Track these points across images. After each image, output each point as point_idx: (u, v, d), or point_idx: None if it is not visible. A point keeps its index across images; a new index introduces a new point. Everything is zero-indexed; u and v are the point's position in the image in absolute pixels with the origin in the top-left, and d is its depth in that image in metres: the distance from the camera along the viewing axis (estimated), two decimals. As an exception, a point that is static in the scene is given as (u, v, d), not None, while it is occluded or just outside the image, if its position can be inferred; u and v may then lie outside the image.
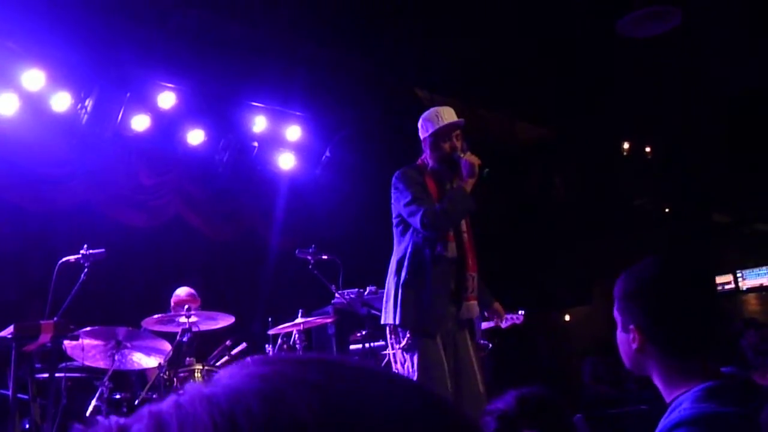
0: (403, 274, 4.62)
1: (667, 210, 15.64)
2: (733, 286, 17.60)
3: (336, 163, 9.32)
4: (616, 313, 2.15)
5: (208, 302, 6.79)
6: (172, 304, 6.70)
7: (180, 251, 8.39)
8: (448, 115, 4.82)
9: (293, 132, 9.13)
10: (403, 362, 4.65)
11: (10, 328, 4.26)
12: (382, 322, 4.77)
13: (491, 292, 5.24)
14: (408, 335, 4.58)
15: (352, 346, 7.20)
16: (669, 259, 2.13)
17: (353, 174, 9.23)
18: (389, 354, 4.96)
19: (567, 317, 14.72)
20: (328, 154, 9.54)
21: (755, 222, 17.48)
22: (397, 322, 4.55)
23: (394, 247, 4.82)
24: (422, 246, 4.65)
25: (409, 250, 4.66)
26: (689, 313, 2.02)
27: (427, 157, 4.88)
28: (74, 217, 7.49)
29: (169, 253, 8.27)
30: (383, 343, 6.91)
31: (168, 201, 8.33)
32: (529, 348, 11.46)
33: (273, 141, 9.08)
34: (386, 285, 4.76)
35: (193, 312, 5.51)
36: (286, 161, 9.19)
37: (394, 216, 4.83)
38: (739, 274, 17.48)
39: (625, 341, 2.09)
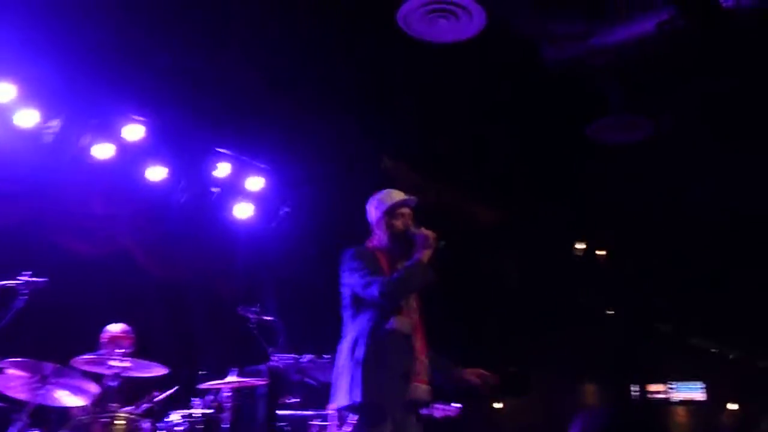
0: (360, 352, 4.50)
1: (610, 312, 15.81)
2: (664, 396, 17.81)
3: (293, 219, 9.25)
4: None
5: (140, 343, 6.64)
6: (104, 339, 6.53)
7: (121, 287, 8.20)
8: (398, 194, 4.86)
9: (255, 182, 9.08)
10: None
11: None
12: (334, 405, 4.61)
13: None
14: (355, 422, 4.44)
15: (280, 411, 7.06)
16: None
17: (309, 233, 9.17)
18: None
19: (500, 405, 14.67)
20: (286, 209, 9.48)
21: (694, 336, 17.75)
22: (358, 400, 4.38)
23: (346, 328, 4.73)
24: (378, 321, 4.58)
25: (365, 327, 4.57)
26: None
27: (377, 239, 4.88)
28: (17, 234, 7.30)
29: (109, 288, 8.07)
30: (313, 412, 6.83)
31: (117, 233, 8.18)
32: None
33: (234, 189, 9.01)
34: (337, 366, 4.62)
35: (127, 358, 5.37)
36: (243, 210, 9.11)
37: (345, 296, 4.76)
38: (671, 385, 17.72)
39: None
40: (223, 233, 9.05)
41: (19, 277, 5.16)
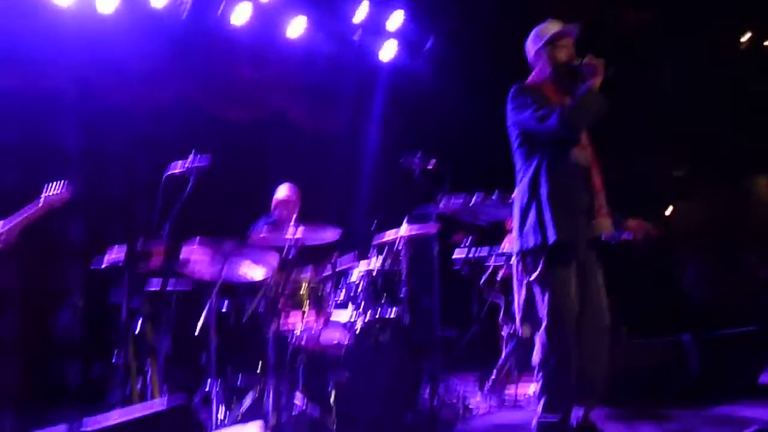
0: (544, 189, 4.31)
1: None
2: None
3: (441, 59, 8.92)
4: None
5: (309, 205, 6.72)
6: (273, 203, 6.64)
7: (282, 148, 8.28)
8: (557, 25, 4.55)
9: (396, 19, 8.75)
10: (531, 294, 4.40)
11: (122, 253, 4.23)
12: (519, 248, 4.43)
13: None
14: (541, 265, 4.30)
15: (455, 254, 7.05)
16: None
17: (458, 73, 8.84)
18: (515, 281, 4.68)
19: (669, 211, 14.25)
20: (429, 44, 9.13)
21: None
22: (551, 240, 4.22)
23: (521, 169, 4.52)
24: (557, 155, 4.36)
25: (544, 163, 4.36)
26: None
27: (540, 73, 4.59)
28: (177, 114, 7.41)
29: (271, 151, 8.17)
30: (486, 253, 6.79)
31: (269, 95, 8.16)
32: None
33: (375, 29, 8.74)
34: (519, 210, 4.43)
35: (301, 225, 5.40)
36: (388, 51, 8.86)
37: (515, 136, 4.53)
38: None
39: None
40: (371, 78, 8.85)
41: (184, 163, 5.16)
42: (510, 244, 6.50)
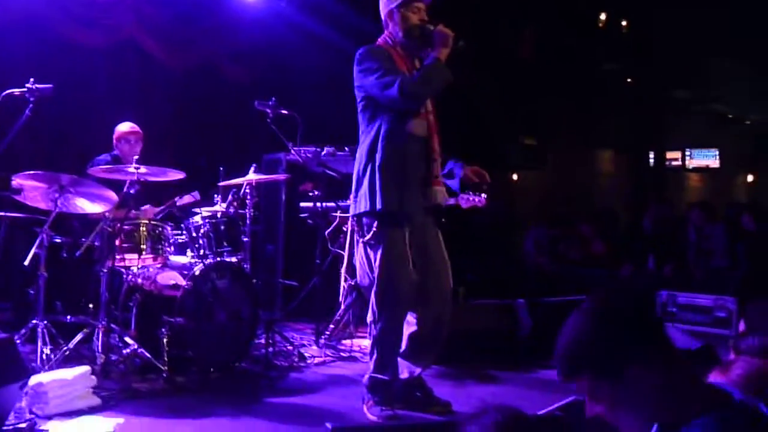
0: (378, 157, 4.37)
1: (629, 80, 15.53)
2: (680, 163, 17.88)
3: (304, 2, 8.73)
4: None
5: (154, 137, 6.51)
6: (115, 137, 6.39)
7: (131, 78, 7.93)
8: None
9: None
10: (365, 256, 4.49)
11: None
12: (354, 212, 4.52)
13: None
14: (375, 227, 4.37)
15: (302, 203, 7.03)
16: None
17: (322, 20, 8.69)
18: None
19: (515, 177, 14.72)
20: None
21: (712, 102, 17.51)
22: (378, 208, 4.30)
23: (362, 133, 4.55)
24: (395, 125, 4.40)
25: (382, 131, 4.40)
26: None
27: (390, 34, 4.59)
28: (20, 31, 6.95)
29: (119, 80, 7.81)
30: (334, 204, 6.81)
31: (123, 21, 7.77)
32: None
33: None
34: (356, 173, 4.50)
35: (142, 164, 5.22)
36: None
37: (359, 99, 4.54)
38: (687, 153, 17.72)
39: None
40: (233, 14, 8.57)
41: (25, 85, 4.90)
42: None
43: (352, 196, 4.55)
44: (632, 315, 1.80)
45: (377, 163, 4.37)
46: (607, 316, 1.81)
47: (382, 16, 4.61)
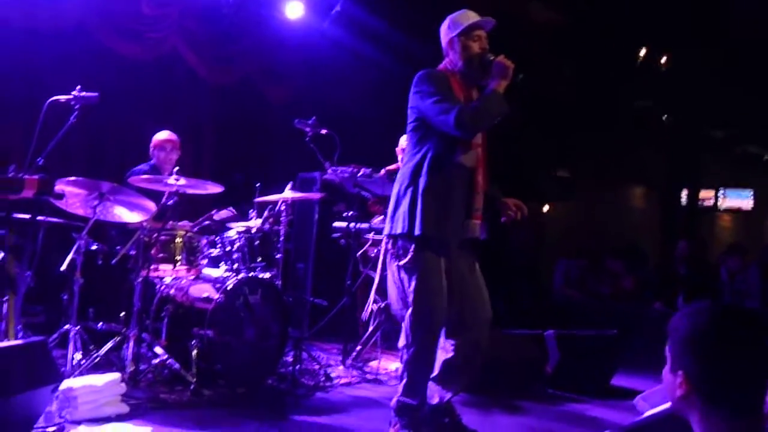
0: (422, 181, 4.32)
1: (665, 117, 15.47)
2: (712, 202, 17.73)
3: (348, 23, 8.79)
4: (667, 350, 1.99)
5: (192, 151, 6.58)
6: (152, 145, 6.46)
7: (173, 91, 8.02)
8: (473, 15, 4.52)
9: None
10: (399, 280, 4.46)
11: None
12: (388, 232, 4.47)
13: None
14: (411, 251, 4.34)
15: (335, 223, 7.05)
16: (728, 310, 1.94)
17: (366, 40, 8.75)
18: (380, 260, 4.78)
19: (545, 208, 14.68)
20: (338, 8, 9.01)
21: (747, 143, 17.39)
22: (417, 233, 4.26)
23: (407, 153, 4.54)
24: (444, 152, 4.38)
25: (429, 155, 4.37)
26: (745, 372, 1.87)
27: (450, 62, 4.58)
28: (64, 41, 7.04)
29: (160, 92, 7.90)
30: (367, 225, 6.81)
31: (166, 35, 7.88)
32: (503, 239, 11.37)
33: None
34: (396, 193, 4.46)
35: (182, 176, 5.27)
36: (294, 9, 8.68)
37: (412, 119, 4.52)
38: (721, 192, 17.57)
39: (671, 383, 1.95)
40: (274, 34, 8.65)
41: (72, 93, 4.95)
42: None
43: (388, 215, 4.51)
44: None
45: (420, 187, 4.33)
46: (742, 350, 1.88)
47: (443, 45, 4.60)
